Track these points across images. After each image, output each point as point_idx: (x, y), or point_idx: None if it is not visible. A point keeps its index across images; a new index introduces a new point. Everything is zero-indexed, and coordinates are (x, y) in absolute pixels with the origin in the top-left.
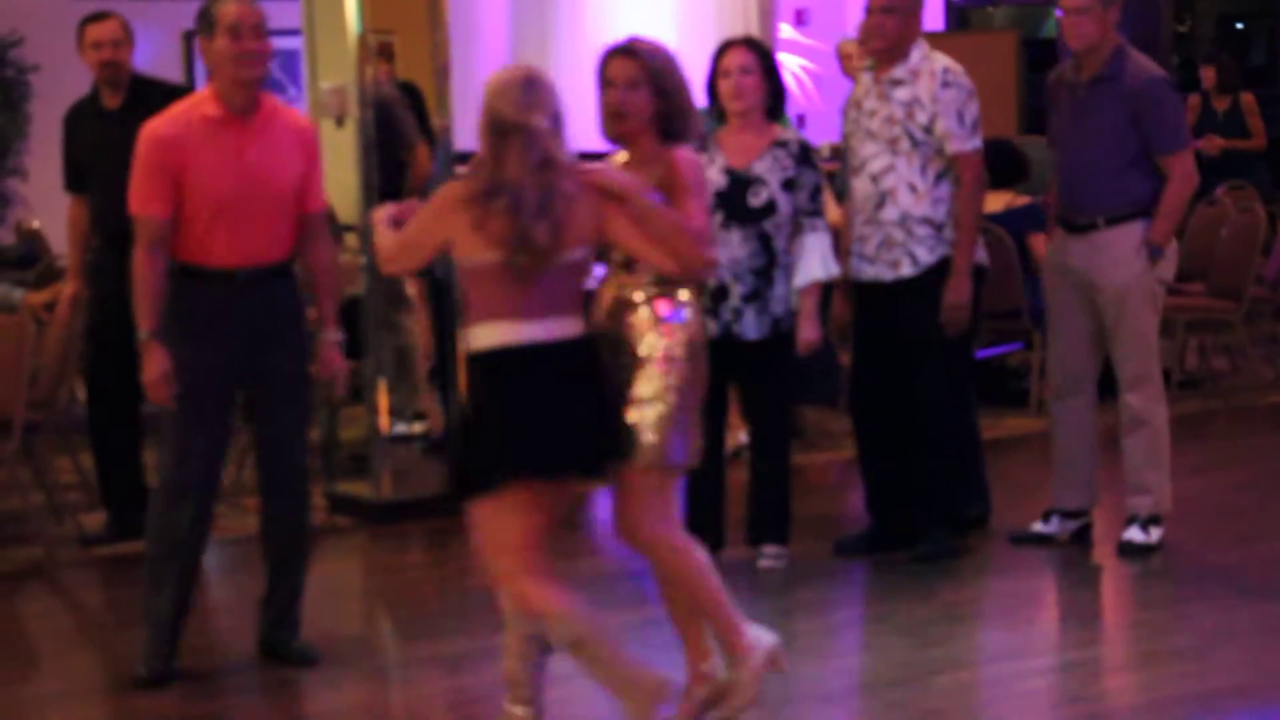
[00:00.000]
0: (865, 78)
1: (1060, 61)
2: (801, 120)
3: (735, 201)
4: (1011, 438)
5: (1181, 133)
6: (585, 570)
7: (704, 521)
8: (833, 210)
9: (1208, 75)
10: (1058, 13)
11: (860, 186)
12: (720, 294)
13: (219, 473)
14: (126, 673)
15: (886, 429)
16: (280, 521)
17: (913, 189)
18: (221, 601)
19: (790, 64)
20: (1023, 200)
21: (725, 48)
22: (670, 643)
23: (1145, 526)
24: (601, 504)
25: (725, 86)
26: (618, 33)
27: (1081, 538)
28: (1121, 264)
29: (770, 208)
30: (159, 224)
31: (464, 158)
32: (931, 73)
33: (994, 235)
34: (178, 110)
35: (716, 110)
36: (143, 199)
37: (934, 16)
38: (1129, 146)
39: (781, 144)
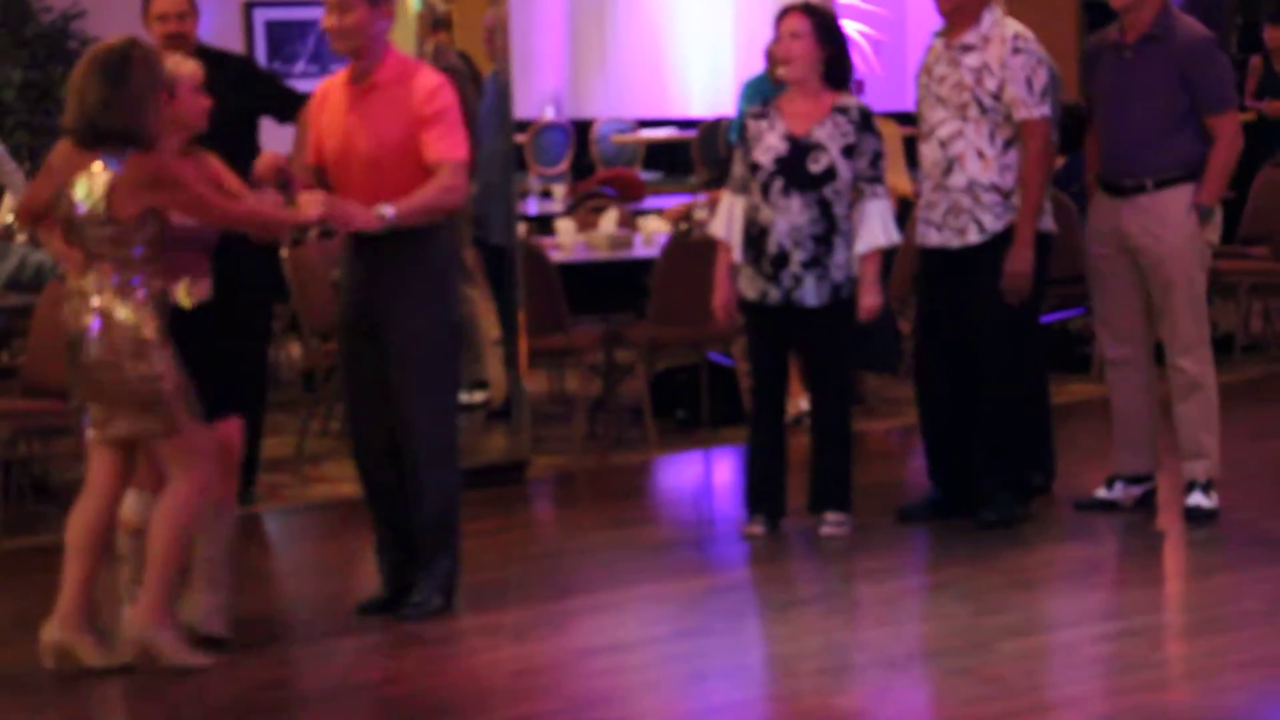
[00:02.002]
0: (937, 43)
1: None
2: (860, 86)
3: (795, 168)
4: (1075, 403)
5: (1230, 92)
6: (644, 538)
7: (765, 489)
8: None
9: (1272, 35)
10: None
11: (929, 152)
12: (780, 260)
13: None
14: None
15: (949, 396)
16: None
17: (981, 155)
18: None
19: (850, 29)
20: None
21: (783, 13)
22: (730, 610)
23: (1206, 491)
24: (660, 473)
25: (777, 51)
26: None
27: (1145, 503)
28: (1171, 227)
29: (830, 174)
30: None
31: (523, 126)
32: (1002, 39)
33: (1062, 199)
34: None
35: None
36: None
37: None
38: (1177, 107)
39: (842, 110)
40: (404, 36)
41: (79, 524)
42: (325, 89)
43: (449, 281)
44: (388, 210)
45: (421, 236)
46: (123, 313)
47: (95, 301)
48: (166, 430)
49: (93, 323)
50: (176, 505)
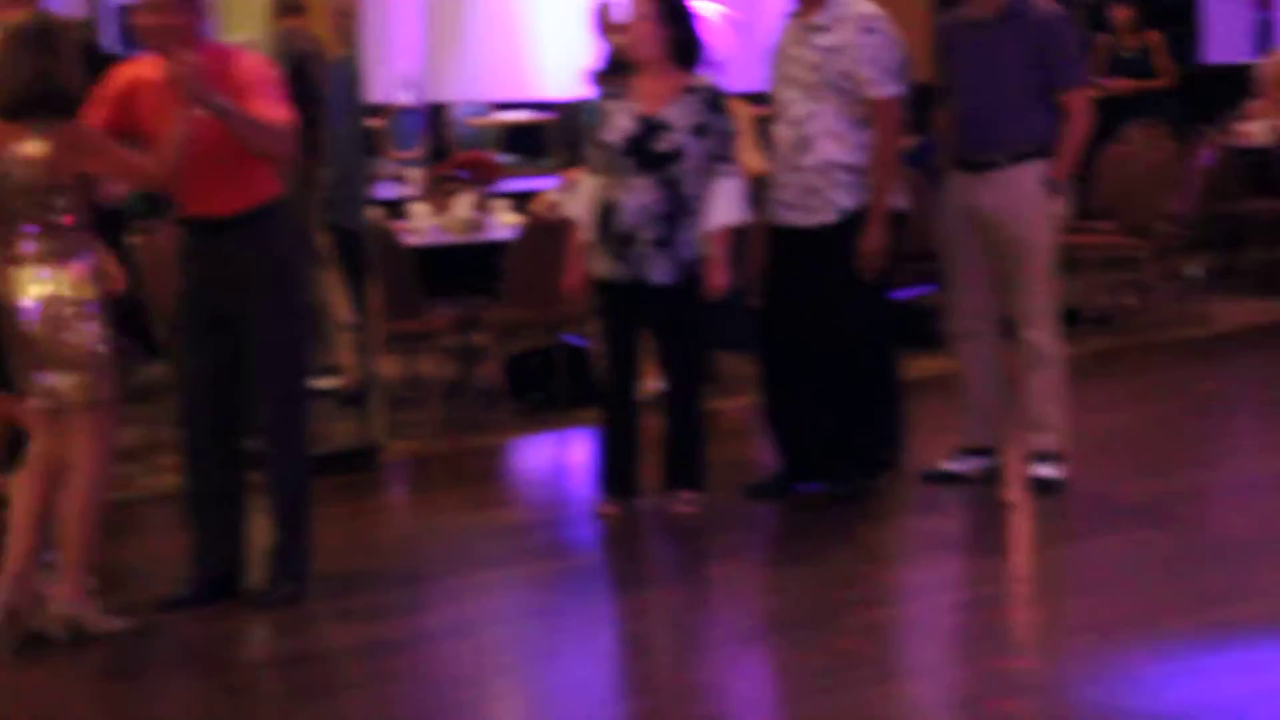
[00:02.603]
0: (789, 23)
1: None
2: (722, 66)
3: (643, 147)
4: (925, 378)
5: (1082, 70)
6: (499, 520)
7: (619, 469)
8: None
9: (1119, 14)
10: None
11: (782, 133)
12: (628, 239)
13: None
14: None
15: (797, 372)
16: None
17: (834, 135)
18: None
19: (709, 9)
20: None
21: None
22: (584, 589)
23: (1052, 461)
24: (515, 455)
25: (626, 33)
26: None
27: (992, 475)
28: (1024, 201)
29: (678, 153)
30: None
31: (379, 110)
32: (853, 19)
33: (913, 177)
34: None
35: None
36: None
37: None
38: (1031, 84)
39: (692, 90)
40: (255, 20)
41: (25, 492)
42: (135, 76)
43: (294, 268)
44: (222, 99)
45: (264, 224)
46: (60, 278)
47: (32, 270)
48: (93, 398)
49: (30, 290)
50: (88, 483)
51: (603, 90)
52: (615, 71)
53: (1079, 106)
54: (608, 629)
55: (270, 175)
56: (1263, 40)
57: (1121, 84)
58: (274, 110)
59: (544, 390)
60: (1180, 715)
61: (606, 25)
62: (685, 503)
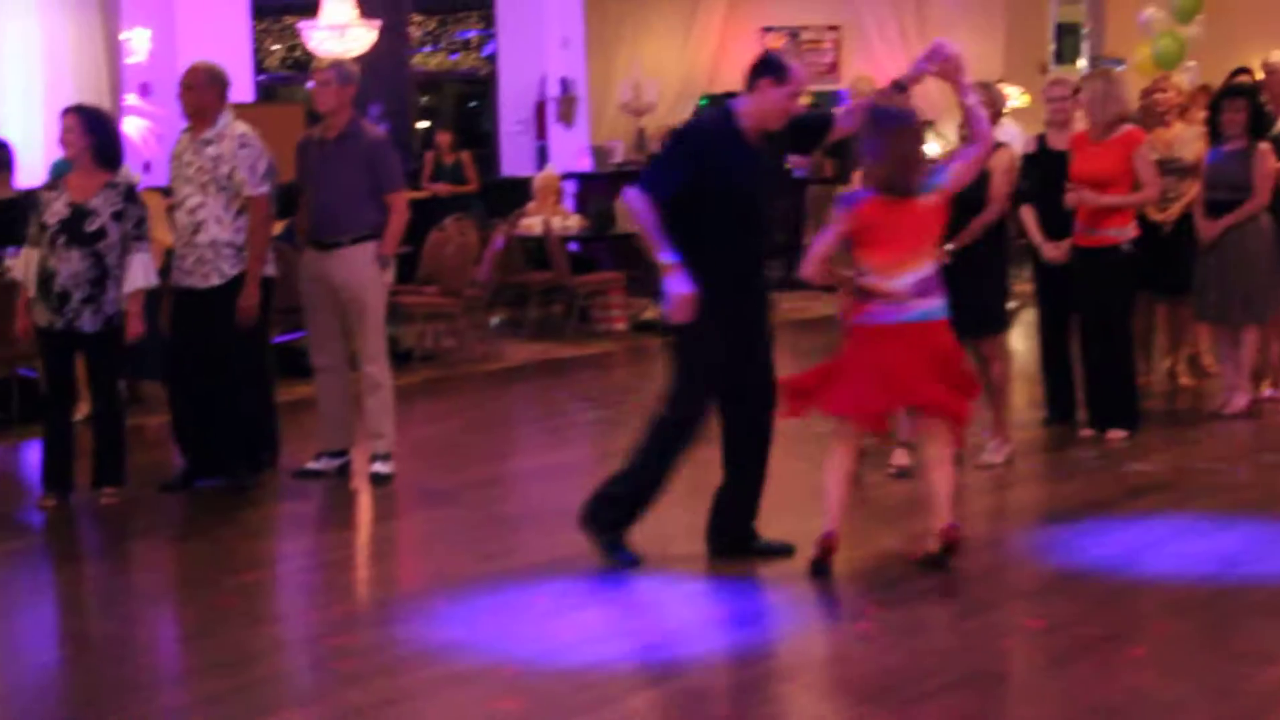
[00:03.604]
0: (184, 136)
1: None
2: (148, 167)
3: (75, 228)
4: (299, 400)
5: (401, 177)
6: None
7: (57, 470)
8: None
9: (441, 138)
10: (309, 84)
11: (181, 217)
12: (64, 298)
13: None
14: None
15: (196, 395)
16: None
17: (219, 220)
18: None
19: (136, 124)
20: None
21: (64, 112)
22: (31, 563)
23: (385, 460)
24: None
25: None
26: None
27: (343, 471)
28: (361, 271)
29: (102, 233)
30: None
31: None
32: (233, 135)
33: (283, 250)
34: None
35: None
36: None
37: (245, 90)
38: (363, 186)
39: (112, 185)
40: None
41: None
42: None
43: None
44: None
45: None
46: None
47: None
48: None
49: None
50: None
51: (46, 182)
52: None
53: (399, 204)
54: (49, 594)
55: None
56: (540, 160)
57: (442, 188)
58: None
59: (4, 410)
60: (461, 643)
61: None
62: (109, 496)
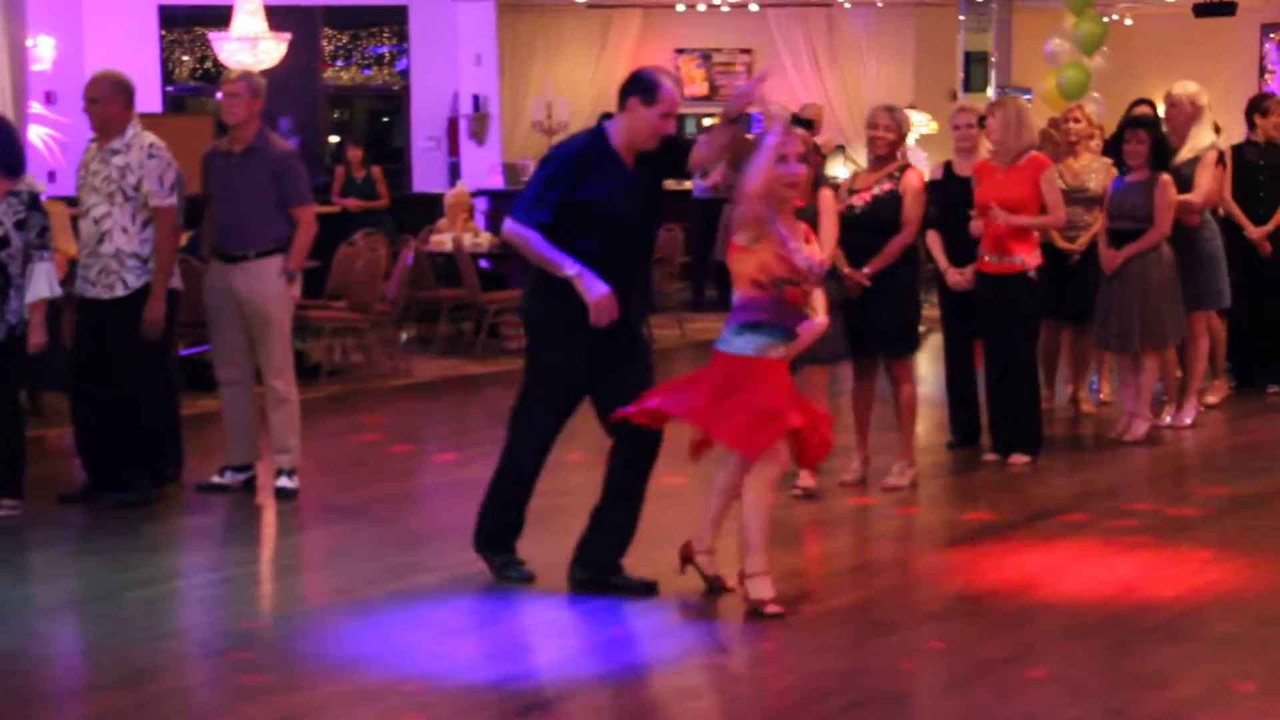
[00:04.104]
0: (92, 146)
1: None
2: (53, 175)
3: None
4: (205, 413)
5: (308, 191)
6: None
7: None
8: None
9: (352, 152)
10: (218, 95)
11: (85, 227)
12: None
13: None
14: None
15: (99, 407)
16: None
17: (125, 231)
18: None
19: (40, 133)
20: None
21: None
22: None
23: (290, 475)
24: None
25: None
26: None
27: (248, 485)
28: (268, 284)
29: (4, 241)
30: None
31: None
32: (140, 146)
33: (188, 262)
34: None
35: None
36: None
37: (153, 101)
38: (271, 200)
39: (15, 193)
40: None
41: None
42: None
43: None
44: None
45: None
46: None
47: None
48: None
49: None
50: None
51: None
52: None
53: (306, 218)
54: None
55: None
56: (452, 177)
57: (353, 202)
58: None
59: None
60: (363, 658)
61: None
62: (7, 508)
